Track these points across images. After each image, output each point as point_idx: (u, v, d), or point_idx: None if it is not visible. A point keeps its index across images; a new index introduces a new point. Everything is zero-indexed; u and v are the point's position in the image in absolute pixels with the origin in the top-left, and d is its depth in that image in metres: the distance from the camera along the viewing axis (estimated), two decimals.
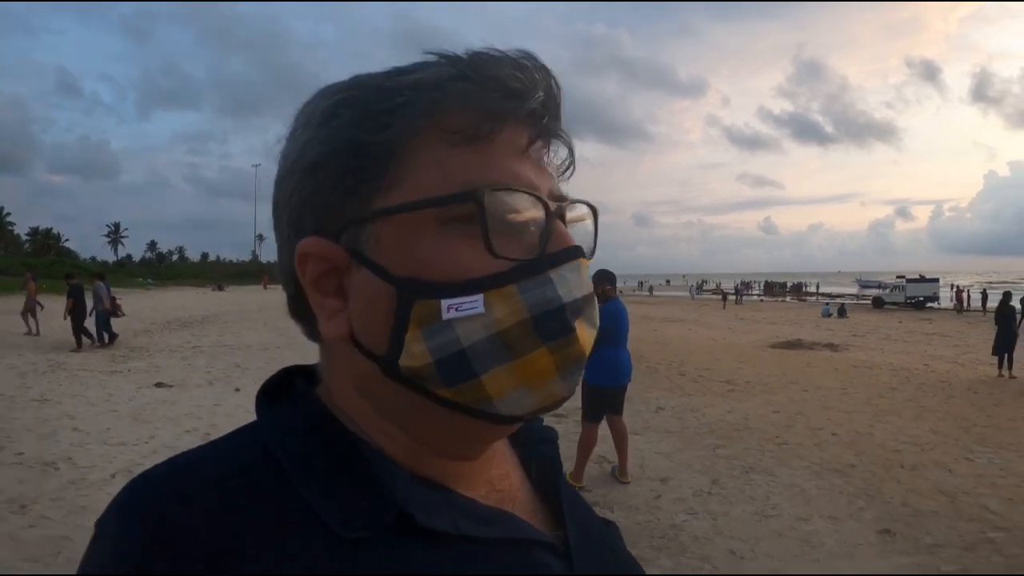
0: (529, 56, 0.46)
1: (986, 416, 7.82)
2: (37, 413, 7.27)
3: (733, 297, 42.01)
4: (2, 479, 4.99)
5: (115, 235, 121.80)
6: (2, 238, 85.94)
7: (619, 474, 5.26)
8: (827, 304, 30.71)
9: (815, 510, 4.71)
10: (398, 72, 0.46)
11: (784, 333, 18.92)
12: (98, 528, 0.41)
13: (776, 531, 4.35)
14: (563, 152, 0.50)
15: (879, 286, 43.73)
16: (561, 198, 0.48)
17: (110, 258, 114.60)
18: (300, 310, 0.48)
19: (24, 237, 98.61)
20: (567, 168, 0.51)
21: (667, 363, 12.39)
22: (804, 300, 45.20)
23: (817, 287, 66.27)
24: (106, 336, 13.62)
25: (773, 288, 63.69)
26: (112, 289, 14.74)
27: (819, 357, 13.58)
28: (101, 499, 4.54)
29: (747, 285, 68.10)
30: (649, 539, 4.15)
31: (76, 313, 13.16)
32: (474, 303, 0.42)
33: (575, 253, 0.45)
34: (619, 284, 7.18)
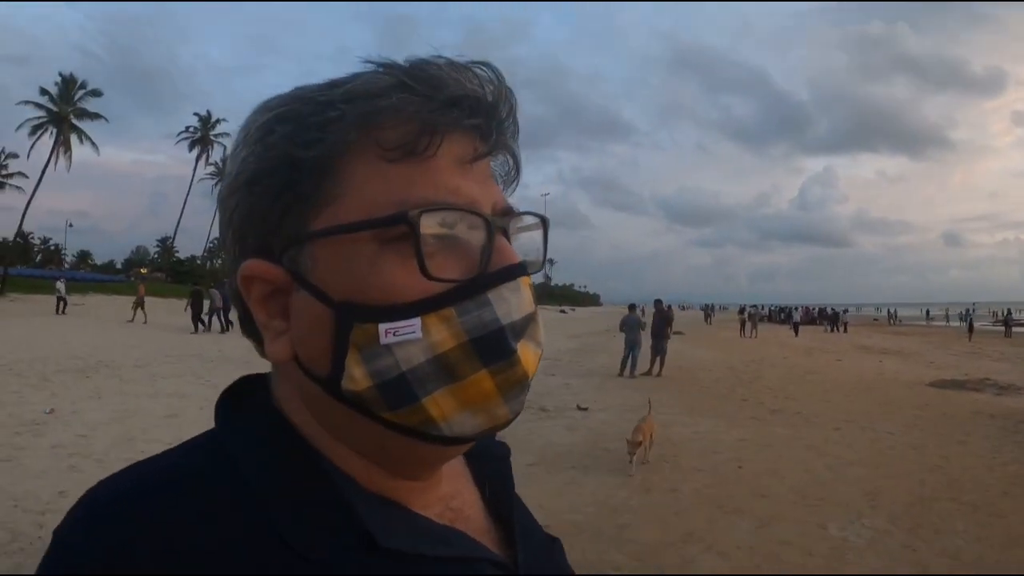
0: (481, 64, 0.45)
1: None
2: (141, 350, 12.90)
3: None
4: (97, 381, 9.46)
5: None
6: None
7: None
8: None
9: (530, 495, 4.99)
10: (333, 85, 0.44)
11: (985, 370, 15.90)
12: (56, 541, 0.40)
13: None
14: (510, 162, 0.49)
15: None
16: (507, 211, 0.47)
17: None
18: (250, 329, 0.48)
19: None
20: (513, 180, 0.50)
21: (763, 390, 11.82)
22: None
23: None
24: (220, 325, 20.56)
25: None
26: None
27: (960, 399, 11.46)
28: (114, 382, 8.81)
29: None
30: None
31: (194, 308, 20.66)
32: (411, 327, 0.41)
33: (516, 272, 0.44)
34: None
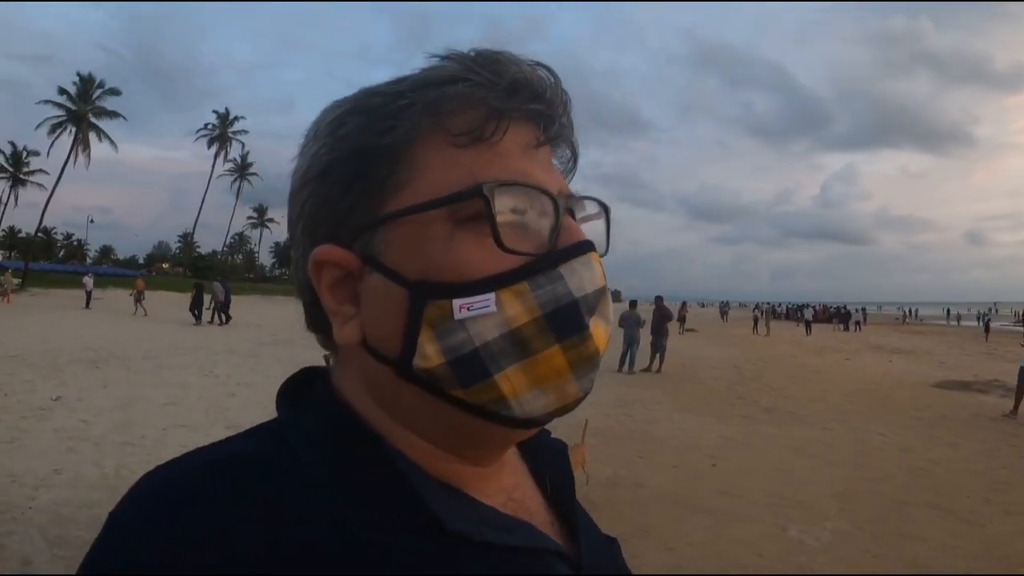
0: (538, 62, 0.47)
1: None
2: (152, 342, 13.75)
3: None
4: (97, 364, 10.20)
5: None
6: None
7: None
8: None
9: None
10: (400, 79, 0.46)
11: (996, 372, 15.64)
12: (111, 523, 0.40)
13: None
14: (568, 153, 0.51)
15: None
16: (570, 195, 0.48)
17: None
18: (316, 321, 0.49)
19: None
20: (571, 170, 0.52)
21: (762, 388, 11.82)
22: None
23: None
24: (220, 318, 21.97)
25: None
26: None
27: (964, 400, 11.38)
28: (122, 373, 9.56)
29: None
30: None
31: (194, 302, 22.13)
32: (486, 302, 0.41)
33: (586, 247, 0.45)
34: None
